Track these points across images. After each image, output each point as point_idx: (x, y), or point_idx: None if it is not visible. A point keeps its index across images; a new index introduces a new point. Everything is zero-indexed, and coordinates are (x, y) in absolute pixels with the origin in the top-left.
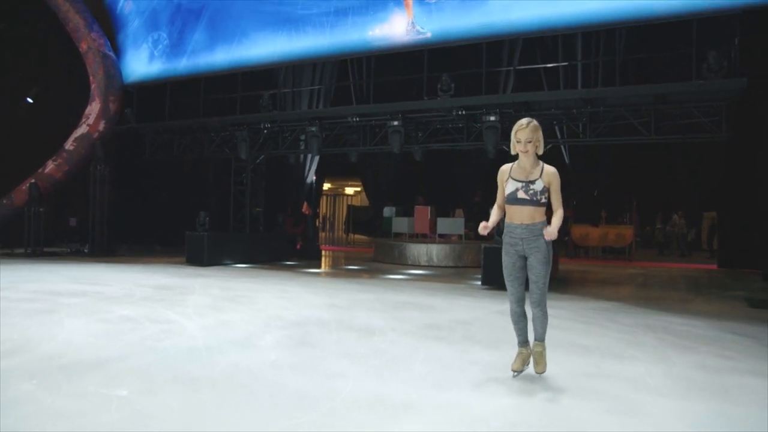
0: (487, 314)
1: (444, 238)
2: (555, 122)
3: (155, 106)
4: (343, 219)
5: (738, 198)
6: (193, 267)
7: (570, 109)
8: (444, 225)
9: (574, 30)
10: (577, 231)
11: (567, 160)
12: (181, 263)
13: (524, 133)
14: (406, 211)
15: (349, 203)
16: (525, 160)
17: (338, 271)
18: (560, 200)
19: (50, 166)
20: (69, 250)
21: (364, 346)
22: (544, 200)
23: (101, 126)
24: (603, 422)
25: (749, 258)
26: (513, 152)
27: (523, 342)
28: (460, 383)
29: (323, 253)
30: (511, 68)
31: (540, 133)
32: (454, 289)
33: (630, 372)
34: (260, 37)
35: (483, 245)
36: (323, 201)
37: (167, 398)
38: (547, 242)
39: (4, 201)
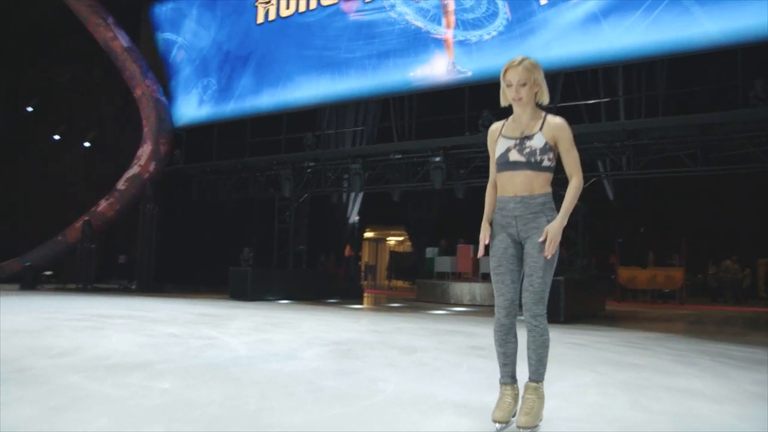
0: None
1: (487, 278)
2: (597, 156)
3: (203, 148)
4: (385, 266)
5: None
6: (237, 301)
7: (613, 141)
8: (487, 264)
9: (615, 64)
10: (625, 273)
11: (611, 196)
12: (225, 299)
13: (515, 74)
14: (449, 251)
15: (392, 250)
16: (520, 112)
17: (380, 307)
18: (577, 162)
19: (103, 204)
20: (117, 286)
21: (406, 360)
22: (547, 162)
23: (152, 167)
24: (657, 422)
25: None
26: (503, 104)
27: (509, 377)
28: None
29: (365, 294)
30: (552, 105)
31: (539, 74)
32: None
33: (685, 384)
34: (304, 80)
35: None
36: (365, 247)
37: (209, 391)
38: (549, 221)
39: (59, 238)
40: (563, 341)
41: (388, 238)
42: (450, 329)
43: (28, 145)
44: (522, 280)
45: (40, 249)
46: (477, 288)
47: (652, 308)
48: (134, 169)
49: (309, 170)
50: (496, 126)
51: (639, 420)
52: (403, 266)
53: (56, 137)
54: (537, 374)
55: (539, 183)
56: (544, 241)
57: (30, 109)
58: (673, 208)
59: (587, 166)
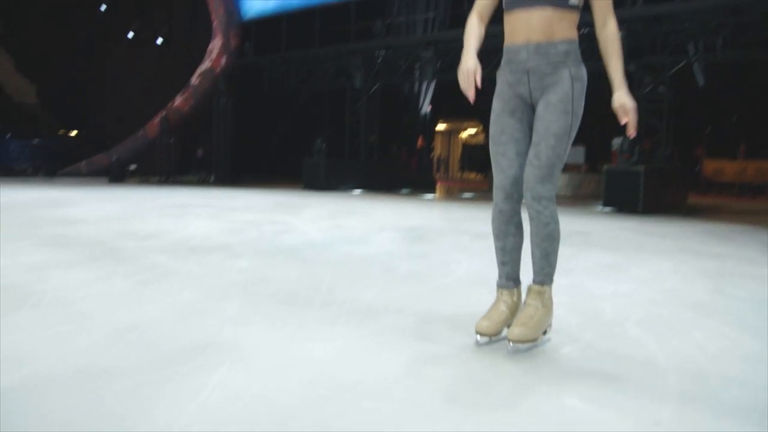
0: (606, 229)
1: (565, 169)
2: (688, 38)
3: (272, 40)
4: (458, 158)
5: None
6: (310, 191)
7: (708, 21)
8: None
9: None
10: (711, 165)
11: (700, 82)
12: (299, 189)
13: None
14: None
15: (464, 142)
16: None
17: (452, 197)
18: (610, 1)
19: (178, 100)
20: (196, 178)
21: (478, 246)
22: (574, 1)
23: (223, 61)
24: (739, 307)
25: None
26: None
27: (508, 278)
28: (579, 273)
29: (437, 185)
30: None
31: None
32: (573, 211)
33: None
34: None
35: (605, 167)
36: (437, 139)
37: (284, 270)
38: (574, 76)
39: (140, 133)
40: (641, 230)
41: (460, 131)
42: (524, 217)
43: (104, 44)
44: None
45: (124, 144)
46: None
47: (738, 202)
48: (206, 64)
49: (379, 59)
50: None
51: (720, 305)
52: (476, 158)
53: (130, 35)
54: (541, 274)
55: (562, 26)
56: (567, 95)
57: (103, 8)
58: None
59: (674, 50)
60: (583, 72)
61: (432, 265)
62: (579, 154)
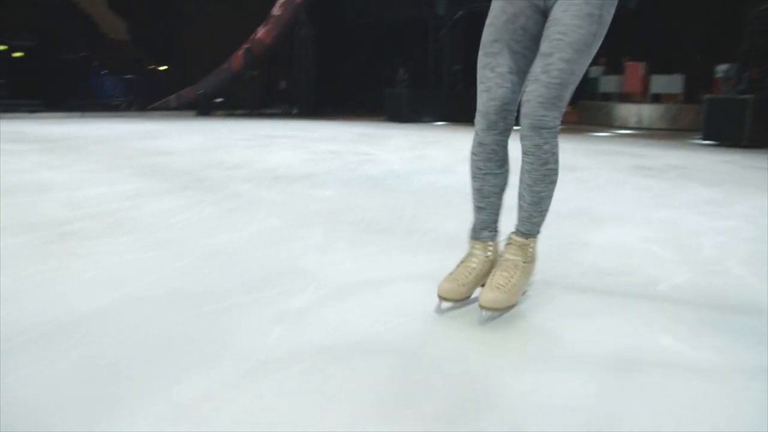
0: (707, 163)
1: (659, 99)
2: None
3: None
4: None
5: None
6: (394, 123)
7: None
8: (659, 83)
9: None
10: None
11: None
12: (381, 120)
13: None
14: (609, 70)
15: None
16: None
17: None
18: None
19: (260, 31)
20: (280, 111)
21: (566, 177)
22: None
23: None
24: None
25: None
26: None
27: (485, 227)
28: (675, 208)
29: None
30: None
31: None
32: (669, 144)
33: None
34: None
35: (705, 96)
36: None
37: (367, 199)
38: None
39: (224, 66)
40: (745, 165)
41: None
42: (613, 150)
43: None
44: (539, 54)
45: (210, 78)
46: (645, 110)
47: None
48: None
49: None
50: None
51: None
52: None
53: None
54: (528, 223)
55: None
56: (591, 6)
57: None
58: None
59: None
60: None
61: (516, 197)
62: (677, 83)
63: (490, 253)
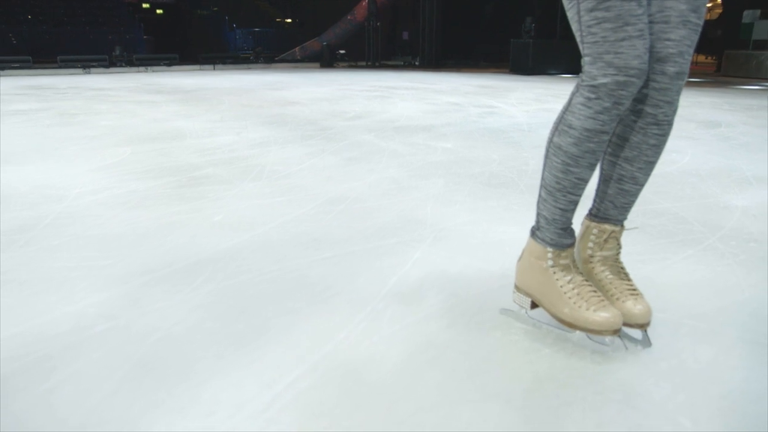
0: None
1: None
2: None
3: None
4: None
5: None
6: (518, 75)
7: None
8: None
9: None
10: None
11: None
12: (505, 73)
13: None
14: None
15: None
16: None
17: None
18: None
19: None
20: (402, 62)
21: (707, 134)
22: None
23: None
24: None
25: None
26: None
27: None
28: None
29: None
30: None
31: None
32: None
33: None
34: None
35: None
36: None
37: (489, 152)
38: None
39: (348, 17)
40: None
41: None
42: (763, 105)
43: None
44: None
45: (333, 29)
46: None
47: None
48: None
49: None
50: None
51: None
52: (709, 37)
53: None
54: (629, 211)
55: None
56: None
57: None
58: None
59: None
60: None
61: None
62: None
63: (567, 258)
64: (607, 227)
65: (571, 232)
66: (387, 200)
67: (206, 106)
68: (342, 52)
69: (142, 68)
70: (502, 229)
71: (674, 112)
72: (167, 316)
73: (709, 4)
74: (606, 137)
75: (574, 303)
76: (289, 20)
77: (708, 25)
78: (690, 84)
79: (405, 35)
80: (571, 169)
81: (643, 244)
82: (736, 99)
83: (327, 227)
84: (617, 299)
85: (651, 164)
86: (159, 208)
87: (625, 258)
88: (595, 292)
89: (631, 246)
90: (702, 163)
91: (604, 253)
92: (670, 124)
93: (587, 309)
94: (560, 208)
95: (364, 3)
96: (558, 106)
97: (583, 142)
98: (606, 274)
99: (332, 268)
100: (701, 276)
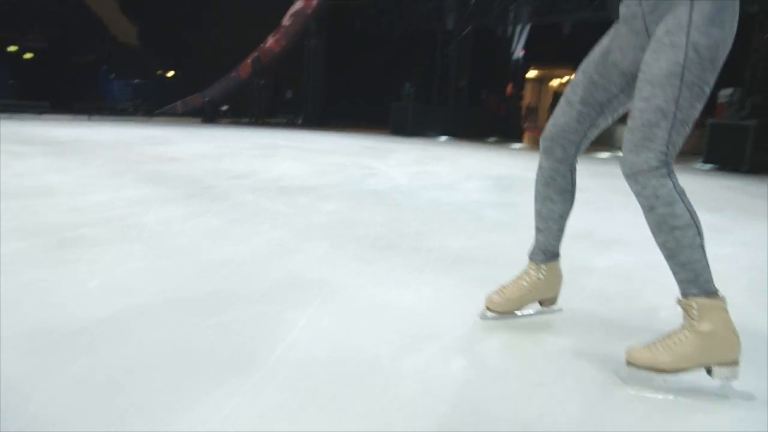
0: (708, 188)
1: None
2: None
3: None
4: (548, 107)
5: None
6: (397, 136)
7: None
8: None
9: None
10: None
11: None
12: (385, 133)
13: None
14: None
15: (555, 91)
16: None
17: None
18: None
19: (270, 41)
20: (285, 120)
21: None
22: None
23: (315, 1)
24: None
25: None
26: None
27: (540, 250)
28: None
29: (525, 134)
30: None
31: None
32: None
33: None
34: None
35: (709, 121)
36: (528, 88)
37: (371, 213)
38: (691, 10)
39: (232, 74)
40: (745, 191)
41: (552, 79)
42: (617, 172)
43: None
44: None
45: (217, 85)
46: None
47: None
48: (298, 4)
49: (473, 1)
50: None
51: None
52: None
53: None
54: (681, 283)
55: None
56: (682, 30)
57: None
58: None
59: None
60: None
61: (520, 216)
62: None
63: (542, 276)
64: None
65: None
66: (272, 263)
67: (81, 159)
68: (225, 108)
69: (5, 115)
70: (387, 291)
71: (639, 194)
72: (35, 395)
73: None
74: (537, 180)
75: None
76: (171, 73)
77: None
78: None
79: (289, 93)
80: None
81: None
82: (594, 167)
83: (211, 292)
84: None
85: (655, 240)
86: (26, 272)
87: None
88: (516, 285)
89: None
90: (568, 227)
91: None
92: (642, 204)
93: (495, 290)
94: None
95: (248, 60)
96: (437, 168)
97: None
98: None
99: (218, 336)
100: (573, 338)
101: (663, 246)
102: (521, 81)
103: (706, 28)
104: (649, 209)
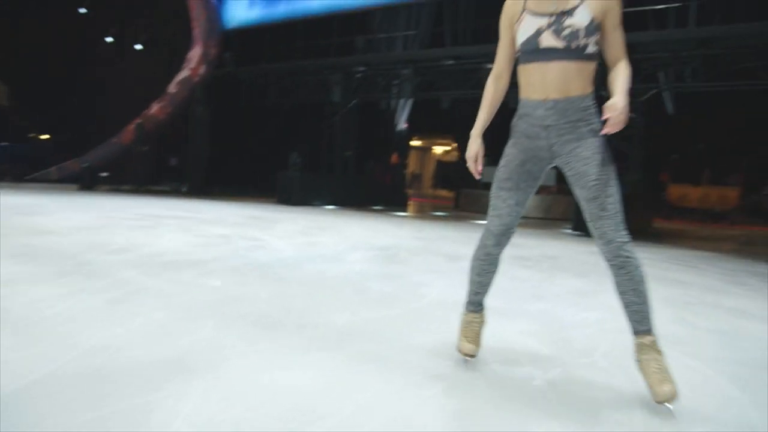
0: (576, 253)
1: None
2: (660, 67)
3: (253, 51)
4: (431, 175)
5: None
6: (284, 206)
7: (679, 51)
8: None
9: None
10: (675, 191)
11: (670, 110)
12: (272, 203)
13: None
14: (497, 161)
15: (438, 159)
16: None
17: (425, 215)
18: (624, 43)
19: (155, 107)
20: (169, 188)
21: (450, 267)
22: (592, 48)
23: (202, 70)
24: (703, 340)
25: None
26: None
27: (479, 304)
28: (549, 299)
29: (410, 202)
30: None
31: None
32: (544, 233)
33: (733, 303)
34: None
35: None
36: (412, 156)
37: (256, 289)
38: (595, 129)
39: (114, 140)
40: (583, 250)
41: (434, 147)
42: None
43: (82, 47)
44: (588, 206)
45: (97, 150)
46: None
47: (701, 227)
48: (185, 72)
49: (359, 75)
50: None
51: (682, 335)
52: (449, 176)
53: (109, 40)
54: (646, 322)
55: (580, 79)
56: (600, 148)
57: (83, 10)
58: (738, 125)
59: (647, 78)
60: (598, 117)
61: (404, 287)
62: (550, 176)
63: (482, 319)
64: (640, 340)
65: None
66: (154, 348)
67: None
68: (105, 174)
69: None
70: (273, 373)
71: (629, 259)
72: None
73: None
74: (483, 263)
75: (461, 335)
76: (45, 136)
77: (447, 166)
78: (437, 219)
79: (173, 161)
80: None
81: (395, 381)
82: (472, 233)
83: (87, 382)
84: (651, 383)
85: (635, 290)
86: None
87: (383, 390)
88: (472, 331)
89: (384, 384)
90: (446, 296)
91: (642, 356)
92: (632, 266)
93: (459, 338)
94: None
95: (131, 126)
96: (322, 239)
97: None
98: (646, 367)
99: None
100: (451, 407)
101: (642, 295)
102: (406, 150)
103: (608, 148)
104: (636, 268)
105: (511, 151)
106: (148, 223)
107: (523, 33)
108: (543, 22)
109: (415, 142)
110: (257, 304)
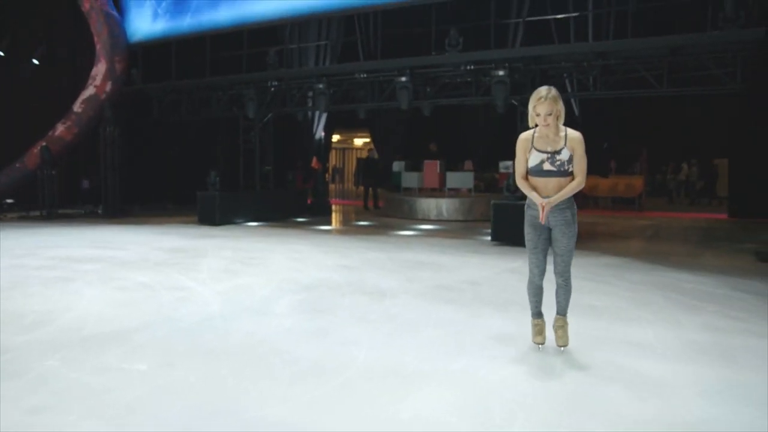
0: (496, 273)
1: (453, 192)
2: (565, 75)
3: (161, 66)
4: (353, 171)
5: (750, 147)
6: (206, 227)
7: (581, 62)
8: (453, 179)
9: None
10: (587, 182)
11: (577, 113)
12: (193, 222)
13: (544, 107)
14: (416, 166)
15: (359, 156)
16: (546, 131)
17: (348, 228)
18: (583, 167)
19: (60, 128)
20: (83, 211)
21: (376, 312)
22: (571, 169)
23: (108, 87)
24: (610, 393)
25: (759, 207)
26: (531, 125)
27: (538, 314)
28: (471, 352)
29: (333, 207)
30: (521, 20)
31: (560, 104)
32: (464, 245)
33: (638, 336)
34: None
35: (492, 201)
36: (333, 154)
37: (186, 372)
38: (573, 214)
39: (18, 165)
40: (503, 268)
41: (354, 140)
42: (417, 260)
43: None
44: (555, 252)
45: (0, 177)
46: (444, 203)
47: (612, 216)
48: (90, 90)
49: (272, 89)
50: (526, 136)
51: (593, 393)
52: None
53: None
54: (564, 311)
55: (566, 184)
56: (571, 226)
57: None
58: (639, 124)
59: (557, 87)
60: (574, 204)
61: (333, 348)
62: (468, 179)
63: (543, 321)
64: (558, 317)
65: None
66: None
67: None
68: (10, 201)
69: None
70: None
71: (567, 283)
72: None
73: (367, 140)
74: (535, 289)
75: (533, 331)
76: None
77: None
78: (360, 231)
79: (85, 184)
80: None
81: None
82: (395, 253)
83: None
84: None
85: (564, 297)
86: None
87: None
88: (541, 329)
89: None
90: (375, 360)
91: (559, 324)
92: (568, 288)
93: (534, 334)
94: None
95: (35, 150)
96: (249, 279)
97: None
98: (557, 330)
99: None
100: None
101: (567, 300)
102: (326, 152)
103: (576, 223)
104: (568, 288)
105: (529, 230)
106: (64, 273)
107: (533, 161)
108: (544, 156)
109: (334, 138)
110: (188, 396)
